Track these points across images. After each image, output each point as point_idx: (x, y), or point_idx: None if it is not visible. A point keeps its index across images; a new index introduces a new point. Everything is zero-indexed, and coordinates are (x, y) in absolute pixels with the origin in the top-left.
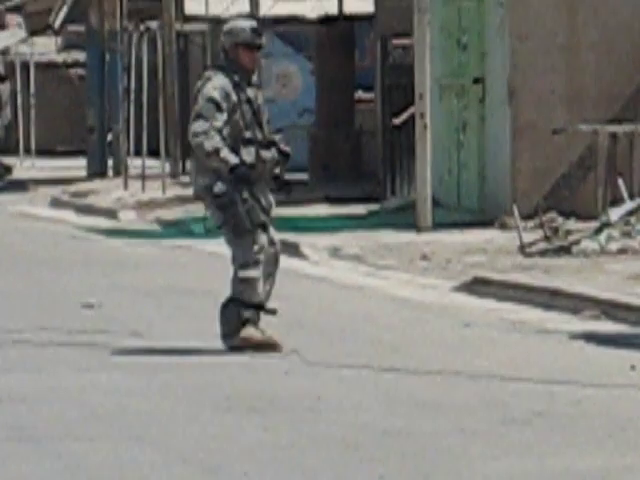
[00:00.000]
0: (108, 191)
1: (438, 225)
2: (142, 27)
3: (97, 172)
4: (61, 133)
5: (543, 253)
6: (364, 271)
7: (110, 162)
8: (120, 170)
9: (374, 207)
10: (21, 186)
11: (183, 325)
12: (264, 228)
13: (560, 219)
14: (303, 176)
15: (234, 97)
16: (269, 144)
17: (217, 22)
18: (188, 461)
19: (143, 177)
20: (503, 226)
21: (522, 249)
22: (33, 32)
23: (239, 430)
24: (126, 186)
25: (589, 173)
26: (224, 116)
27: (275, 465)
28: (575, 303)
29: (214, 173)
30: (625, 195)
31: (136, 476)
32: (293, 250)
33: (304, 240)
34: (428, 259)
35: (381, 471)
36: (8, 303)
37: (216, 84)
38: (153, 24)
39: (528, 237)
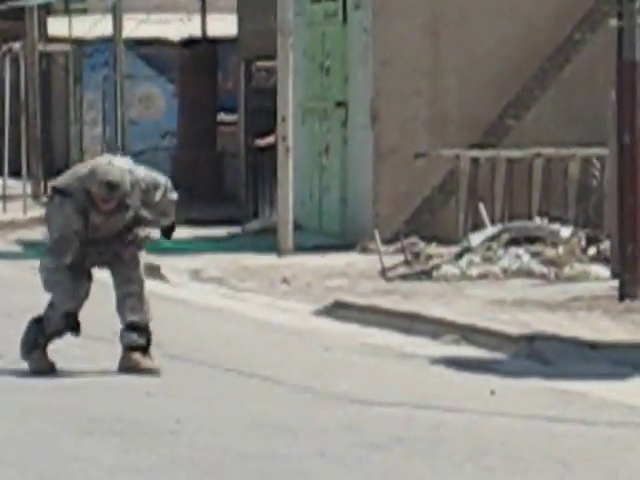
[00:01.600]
0: None
1: (299, 248)
2: (5, 47)
3: None
4: None
5: (404, 277)
6: (224, 293)
7: None
8: None
9: (236, 230)
10: None
11: None
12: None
13: (421, 243)
14: None
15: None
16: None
17: (80, 43)
18: None
19: (4, 197)
20: (364, 250)
21: (383, 273)
22: None
23: (100, 452)
24: None
25: (451, 198)
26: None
27: None
28: (435, 328)
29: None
30: (486, 220)
31: None
32: (154, 272)
33: (165, 262)
34: (289, 282)
35: None
36: None
37: (68, 217)
38: (16, 44)
39: (389, 261)
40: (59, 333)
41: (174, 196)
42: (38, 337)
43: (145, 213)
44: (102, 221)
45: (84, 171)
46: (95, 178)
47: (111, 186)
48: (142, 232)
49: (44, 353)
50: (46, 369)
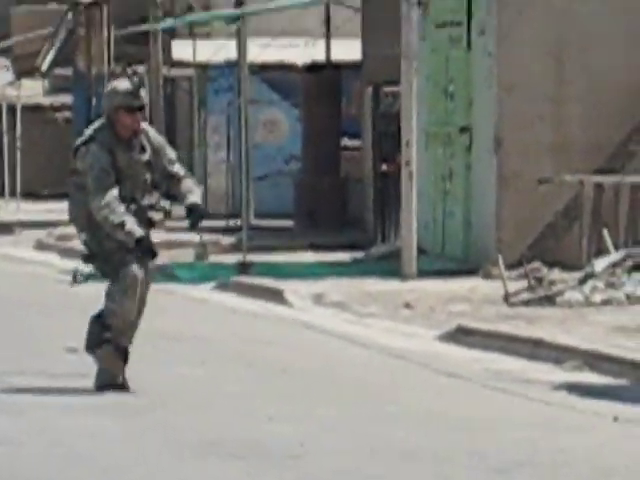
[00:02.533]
0: None
1: (423, 273)
2: (129, 71)
3: None
4: (47, 176)
5: (527, 303)
6: (347, 318)
7: None
8: None
9: (359, 255)
10: (6, 229)
11: (166, 369)
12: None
13: (545, 269)
14: (288, 223)
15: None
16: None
17: (204, 67)
18: None
19: None
20: (487, 275)
21: (506, 298)
22: (20, 75)
23: (223, 476)
24: None
25: (574, 223)
26: (114, 183)
27: None
28: (558, 354)
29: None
30: (610, 246)
31: None
32: (277, 296)
33: (288, 287)
34: (412, 307)
35: None
36: None
37: (98, 154)
38: (140, 68)
39: (512, 286)
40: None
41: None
42: (102, 332)
43: (166, 153)
44: (127, 162)
45: (104, 107)
46: (116, 92)
47: (134, 89)
48: (163, 202)
49: (114, 352)
50: (116, 370)
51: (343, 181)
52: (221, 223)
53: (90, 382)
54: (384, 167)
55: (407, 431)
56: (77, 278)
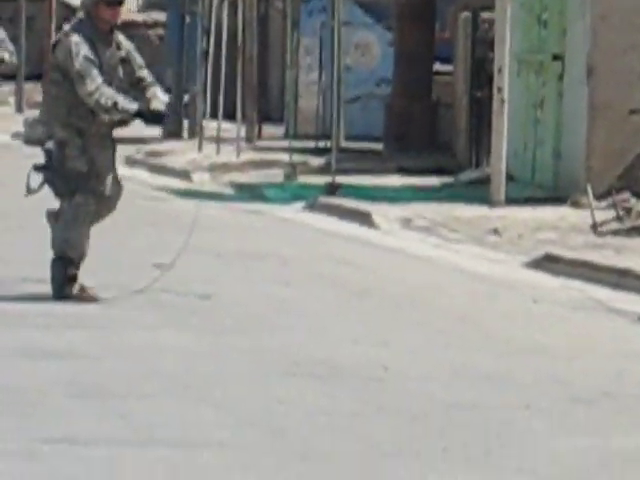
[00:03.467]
0: (182, 152)
1: (511, 200)
2: None
3: (172, 133)
4: None
5: (615, 233)
6: (434, 243)
7: (186, 123)
8: (195, 132)
9: (448, 180)
10: None
11: (253, 289)
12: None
13: (633, 200)
14: (378, 146)
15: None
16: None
17: None
18: (250, 423)
19: (218, 140)
20: (576, 204)
21: (594, 228)
22: None
23: (303, 396)
24: (201, 148)
25: None
26: (95, 67)
27: (337, 433)
28: None
29: (48, 127)
30: None
31: (201, 436)
32: (365, 219)
33: (376, 209)
34: (499, 234)
35: (445, 443)
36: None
37: (80, 42)
38: None
39: (601, 216)
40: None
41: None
42: (67, 270)
43: (135, 56)
44: (105, 56)
45: (81, 3)
46: None
47: None
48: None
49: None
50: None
51: (434, 105)
52: (311, 144)
53: (175, 298)
54: (478, 93)
55: (491, 357)
56: (30, 189)
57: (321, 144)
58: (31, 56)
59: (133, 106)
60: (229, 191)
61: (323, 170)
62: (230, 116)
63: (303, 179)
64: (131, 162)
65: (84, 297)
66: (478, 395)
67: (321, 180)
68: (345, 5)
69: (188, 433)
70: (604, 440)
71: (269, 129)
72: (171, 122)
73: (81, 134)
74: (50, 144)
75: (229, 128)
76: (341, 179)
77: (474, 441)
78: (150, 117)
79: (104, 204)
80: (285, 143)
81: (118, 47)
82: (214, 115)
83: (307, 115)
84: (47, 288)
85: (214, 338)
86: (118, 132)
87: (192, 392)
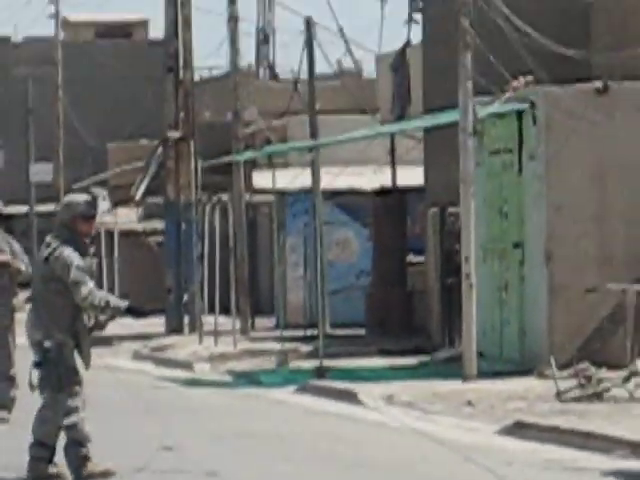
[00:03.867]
0: (184, 345)
1: (482, 374)
2: (215, 198)
3: (174, 328)
4: (142, 293)
5: (577, 399)
6: (416, 416)
7: (186, 319)
8: (195, 327)
9: (425, 358)
10: (106, 341)
11: (255, 465)
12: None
13: (593, 368)
14: (361, 331)
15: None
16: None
17: (282, 194)
18: None
19: (216, 332)
20: (541, 375)
21: (558, 396)
22: (117, 203)
23: None
24: (201, 341)
25: (619, 327)
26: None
27: None
28: (606, 444)
29: (46, 329)
30: None
31: None
32: (352, 398)
33: (362, 389)
34: (473, 405)
35: None
36: (94, 447)
37: (72, 254)
38: (225, 196)
39: (564, 385)
40: None
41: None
42: (77, 452)
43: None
44: (87, 264)
45: (58, 220)
46: (77, 203)
47: (91, 200)
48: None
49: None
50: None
51: (409, 293)
52: (300, 332)
53: (185, 477)
54: (448, 280)
55: None
56: (33, 385)
57: (309, 332)
58: None
59: (123, 303)
60: (228, 378)
61: (312, 355)
62: (226, 310)
63: (294, 364)
64: (138, 357)
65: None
66: None
67: (310, 364)
68: (325, 206)
69: None
70: None
71: (261, 321)
72: (173, 318)
73: (75, 336)
74: (48, 343)
75: (225, 322)
76: (329, 362)
77: None
78: (130, 312)
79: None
80: (276, 333)
81: (88, 254)
82: (212, 310)
83: (295, 307)
84: None
85: None
86: (126, 329)
87: None
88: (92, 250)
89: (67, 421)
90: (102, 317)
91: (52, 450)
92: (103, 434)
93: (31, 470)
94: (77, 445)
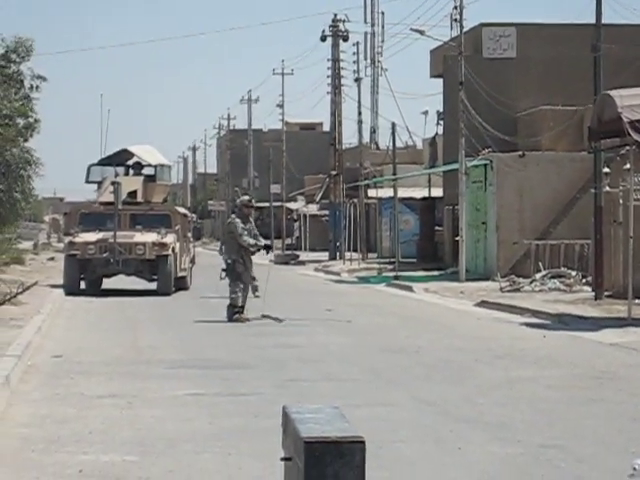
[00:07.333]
0: (336, 265)
1: (468, 279)
2: (351, 201)
3: (332, 257)
4: (319, 242)
5: (509, 292)
6: (437, 297)
7: (337, 254)
8: (341, 256)
9: (442, 272)
10: (301, 263)
11: (367, 315)
12: (244, 278)
13: (515, 277)
14: (414, 260)
15: (243, 224)
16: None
17: (380, 199)
18: None
19: (350, 259)
20: (493, 280)
21: (501, 290)
22: (308, 202)
23: None
24: (344, 262)
25: (528, 259)
26: (245, 230)
27: None
28: (521, 311)
29: (227, 254)
30: (541, 266)
31: None
32: (409, 289)
33: (413, 285)
34: (463, 293)
35: None
36: (283, 306)
37: (238, 221)
38: (355, 200)
39: (503, 285)
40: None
41: None
42: (233, 311)
43: (254, 227)
44: (247, 226)
45: (236, 206)
46: (242, 200)
47: (249, 199)
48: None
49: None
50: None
51: (436, 243)
52: (387, 260)
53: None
54: (455, 238)
55: (460, 340)
56: (221, 278)
57: (392, 260)
58: None
59: (261, 244)
60: (355, 280)
61: (395, 270)
62: (355, 249)
63: (385, 274)
64: (316, 270)
65: (241, 319)
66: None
67: (392, 274)
68: (399, 205)
69: None
70: None
71: (371, 254)
72: (331, 253)
73: (242, 257)
74: (229, 260)
75: (354, 255)
76: (400, 273)
77: None
78: (266, 248)
79: (246, 285)
80: (377, 260)
81: (250, 222)
82: (348, 249)
83: (386, 249)
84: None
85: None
86: (310, 258)
87: None
88: (250, 220)
89: (230, 296)
90: (252, 249)
91: (236, 307)
92: (296, 306)
93: (228, 316)
94: (232, 307)
